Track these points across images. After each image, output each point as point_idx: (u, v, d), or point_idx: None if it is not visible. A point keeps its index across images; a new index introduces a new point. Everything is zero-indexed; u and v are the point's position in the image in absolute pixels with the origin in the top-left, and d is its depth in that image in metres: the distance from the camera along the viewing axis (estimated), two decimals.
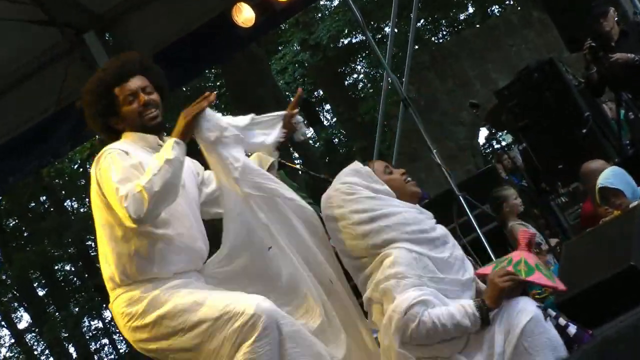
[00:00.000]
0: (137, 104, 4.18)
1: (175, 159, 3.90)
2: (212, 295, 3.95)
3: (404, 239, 3.80)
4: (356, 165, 4.13)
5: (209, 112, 4.15)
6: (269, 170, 4.42)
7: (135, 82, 4.21)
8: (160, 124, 4.28)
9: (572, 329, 3.78)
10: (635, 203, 6.65)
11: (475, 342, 3.66)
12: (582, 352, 1.05)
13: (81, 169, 26.25)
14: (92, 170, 4.06)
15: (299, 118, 4.52)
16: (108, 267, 4.04)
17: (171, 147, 3.93)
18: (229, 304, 3.85)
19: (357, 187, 3.95)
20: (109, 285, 4.06)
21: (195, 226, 4.20)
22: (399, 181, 4.03)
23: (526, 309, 3.63)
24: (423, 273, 3.73)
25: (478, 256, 8.46)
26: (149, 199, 3.78)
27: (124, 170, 3.90)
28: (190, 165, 4.37)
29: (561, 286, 4.16)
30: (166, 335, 3.94)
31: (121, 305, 4.00)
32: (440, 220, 8.21)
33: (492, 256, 8.08)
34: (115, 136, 4.23)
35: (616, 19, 8.94)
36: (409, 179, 4.10)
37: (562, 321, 3.81)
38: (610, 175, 7.03)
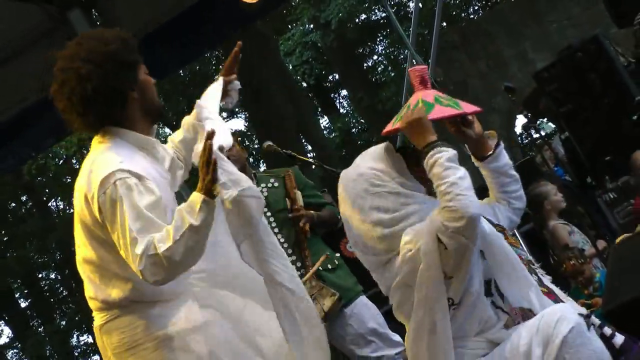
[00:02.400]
0: (153, 81, 4.15)
1: (201, 226, 3.72)
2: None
3: None
4: (388, 148, 4.01)
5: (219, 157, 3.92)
6: None
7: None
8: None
9: (619, 340, 3.77)
10: None
11: (510, 352, 3.65)
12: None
13: (67, 165, 26.31)
14: (93, 191, 3.81)
15: (237, 84, 4.48)
16: (105, 286, 3.98)
17: (198, 207, 3.73)
18: None
19: (384, 178, 3.86)
20: (101, 306, 4.01)
21: None
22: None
23: (566, 317, 3.59)
24: None
25: None
26: (168, 267, 3.69)
27: (140, 214, 3.73)
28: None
29: (471, 108, 4.16)
30: None
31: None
32: None
33: (532, 261, 8.08)
34: (100, 123, 4.03)
35: None
36: None
37: (607, 331, 3.79)
38: None
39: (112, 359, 4.00)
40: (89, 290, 4.02)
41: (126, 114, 4.00)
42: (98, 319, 4.02)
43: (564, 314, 3.60)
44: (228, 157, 5.85)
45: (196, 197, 3.75)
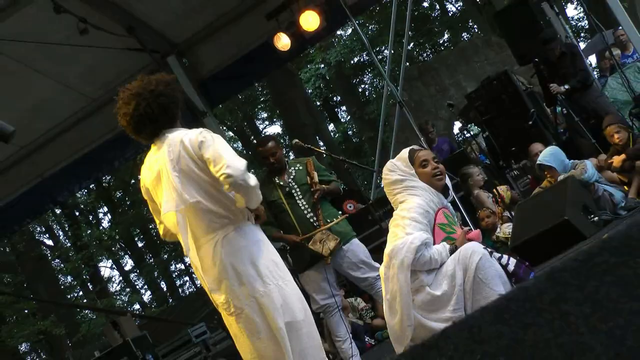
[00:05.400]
0: None
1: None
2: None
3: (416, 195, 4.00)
4: (405, 152, 4.17)
5: None
6: None
7: None
8: None
9: (511, 266, 3.80)
10: (565, 175, 6.64)
11: (441, 277, 3.70)
12: (535, 279, 1.06)
13: None
14: (194, 136, 3.73)
15: None
16: None
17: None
18: None
19: (395, 167, 4.13)
20: None
21: None
22: (427, 175, 4.05)
23: (477, 250, 3.70)
24: (427, 222, 3.88)
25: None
26: (250, 184, 3.61)
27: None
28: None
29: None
30: None
31: None
32: None
33: (464, 214, 8.11)
34: (159, 130, 3.88)
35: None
36: (438, 174, 4.08)
37: (503, 260, 3.82)
38: (546, 154, 7.02)
39: None
40: None
41: (174, 123, 3.93)
42: None
43: (475, 249, 3.68)
44: (273, 156, 5.85)
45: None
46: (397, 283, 3.70)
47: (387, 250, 3.84)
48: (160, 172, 3.80)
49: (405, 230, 3.79)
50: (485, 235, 7.60)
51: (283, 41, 8.76)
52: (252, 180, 3.61)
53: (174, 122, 3.90)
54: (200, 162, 3.67)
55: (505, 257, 3.79)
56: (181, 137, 3.74)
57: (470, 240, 3.88)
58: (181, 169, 3.70)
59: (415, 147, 4.23)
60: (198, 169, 3.68)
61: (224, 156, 3.57)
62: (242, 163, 3.58)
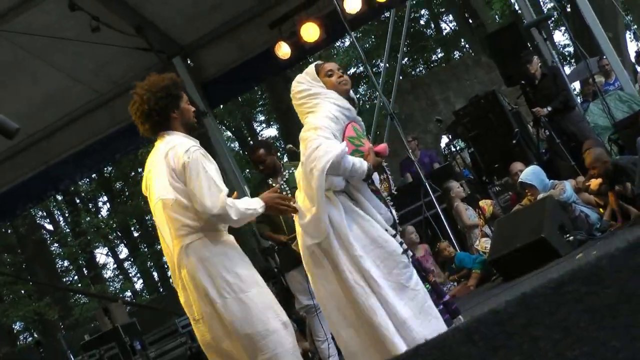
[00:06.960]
0: (193, 109, 3.92)
1: (257, 212, 3.73)
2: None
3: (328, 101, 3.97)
4: (311, 66, 4.14)
5: None
6: None
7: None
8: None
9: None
10: (545, 194, 6.66)
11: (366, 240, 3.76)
12: (506, 303, 1.06)
13: None
14: (180, 154, 3.63)
15: None
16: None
17: (261, 206, 3.73)
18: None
19: (302, 79, 4.08)
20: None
21: None
22: (333, 83, 4.03)
23: (397, 259, 3.73)
24: (336, 132, 3.85)
25: (437, 225, 8.49)
26: (232, 218, 3.57)
27: (216, 175, 3.64)
28: None
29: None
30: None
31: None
32: (411, 200, 8.14)
33: (447, 227, 8.13)
34: (158, 129, 3.84)
35: (539, 64, 8.90)
36: (343, 81, 4.08)
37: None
38: (528, 173, 7.05)
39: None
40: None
41: (171, 125, 3.80)
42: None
43: (396, 257, 3.72)
44: (262, 163, 5.87)
45: (261, 201, 3.76)
46: (316, 190, 3.78)
47: (303, 158, 3.85)
48: (152, 167, 3.84)
49: (319, 138, 3.75)
50: (445, 266, 7.82)
51: (283, 50, 8.79)
52: (234, 213, 3.57)
53: (169, 124, 3.83)
54: (178, 175, 3.65)
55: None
56: (167, 150, 3.71)
57: (378, 154, 3.92)
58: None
59: (319, 61, 4.22)
60: (174, 180, 3.66)
61: (198, 194, 3.56)
62: (214, 202, 3.53)
